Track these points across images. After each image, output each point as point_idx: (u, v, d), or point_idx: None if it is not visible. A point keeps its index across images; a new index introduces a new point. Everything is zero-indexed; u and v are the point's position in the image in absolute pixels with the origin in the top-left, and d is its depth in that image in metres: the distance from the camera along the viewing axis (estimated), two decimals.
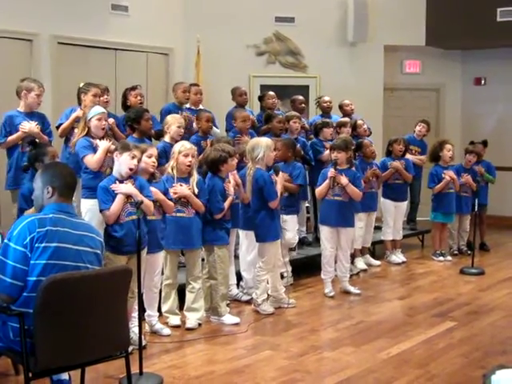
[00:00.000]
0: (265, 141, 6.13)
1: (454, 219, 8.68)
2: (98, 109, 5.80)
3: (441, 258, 8.56)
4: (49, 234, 3.41)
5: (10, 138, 6.11)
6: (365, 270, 7.89)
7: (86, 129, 5.70)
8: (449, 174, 8.40)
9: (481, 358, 5.04)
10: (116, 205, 4.88)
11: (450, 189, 8.45)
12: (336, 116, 8.83)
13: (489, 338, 5.55)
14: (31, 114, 6.20)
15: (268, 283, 6.25)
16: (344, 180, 6.58)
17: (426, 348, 5.24)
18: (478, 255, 8.53)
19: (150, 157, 5.20)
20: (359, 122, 8.52)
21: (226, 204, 5.78)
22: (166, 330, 5.43)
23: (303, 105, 8.53)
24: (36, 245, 3.37)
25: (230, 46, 9.84)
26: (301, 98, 8.55)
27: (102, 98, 6.55)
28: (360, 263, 7.89)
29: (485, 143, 9.24)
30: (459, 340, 5.45)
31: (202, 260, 5.90)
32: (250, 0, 10.03)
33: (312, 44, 10.33)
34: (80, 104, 6.44)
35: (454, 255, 8.79)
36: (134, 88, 7.12)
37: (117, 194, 4.90)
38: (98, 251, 3.67)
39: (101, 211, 4.94)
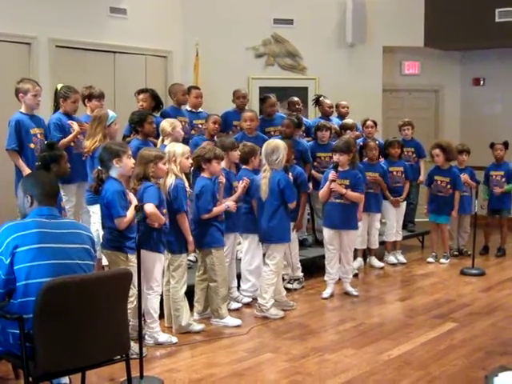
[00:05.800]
0: (283, 143, 6.12)
1: (448, 220, 8.54)
2: (113, 113, 5.93)
3: (430, 260, 8.47)
4: (27, 237, 3.41)
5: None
6: (357, 272, 7.71)
7: (106, 135, 5.79)
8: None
9: (482, 359, 5.04)
10: (132, 212, 4.79)
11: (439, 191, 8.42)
12: (336, 119, 8.79)
13: (490, 339, 5.54)
14: (32, 116, 6.16)
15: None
16: (342, 190, 6.58)
17: (427, 349, 5.23)
18: (479, 256, 8.52)
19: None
20: (369, 122, 8.49)
21: (216, 210, 5.73)
22: (174, 338, 5.36)
23: (299, 106, 8.48)
24: (16, 250, 3.37)
25: (229, 48, 9.83)
26: (296, 99, 8.50)
27: (98, 103, 6.61)
28: (355, 263, 7.75)
29: (506, 144, 8.88)
30: (460, 341, 5.44)
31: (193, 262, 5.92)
32: (249, 2, 10.02)
33: (311, 46, 10.31)
34: (57, 106, 6.47)
35: (454, 256, 8.74)
36: (140, 91, 7.09)
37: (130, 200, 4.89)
38: (87, 246, 3.66)
39: (117, 217, 4.78)
